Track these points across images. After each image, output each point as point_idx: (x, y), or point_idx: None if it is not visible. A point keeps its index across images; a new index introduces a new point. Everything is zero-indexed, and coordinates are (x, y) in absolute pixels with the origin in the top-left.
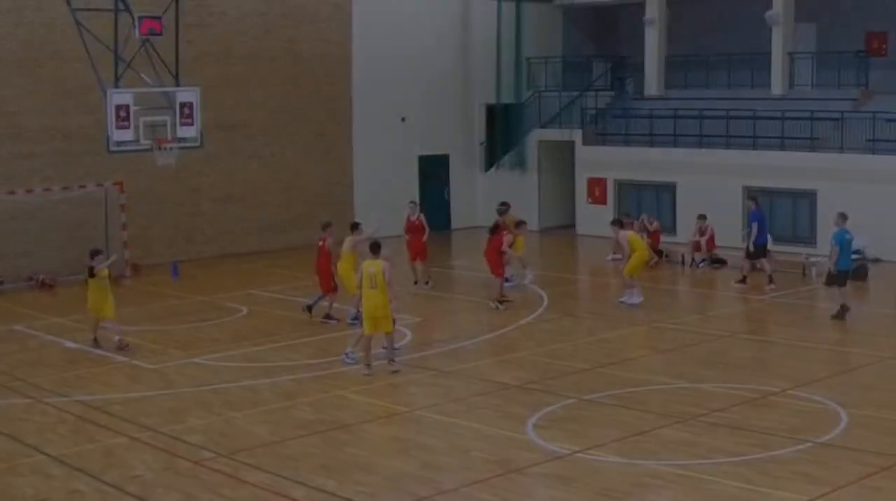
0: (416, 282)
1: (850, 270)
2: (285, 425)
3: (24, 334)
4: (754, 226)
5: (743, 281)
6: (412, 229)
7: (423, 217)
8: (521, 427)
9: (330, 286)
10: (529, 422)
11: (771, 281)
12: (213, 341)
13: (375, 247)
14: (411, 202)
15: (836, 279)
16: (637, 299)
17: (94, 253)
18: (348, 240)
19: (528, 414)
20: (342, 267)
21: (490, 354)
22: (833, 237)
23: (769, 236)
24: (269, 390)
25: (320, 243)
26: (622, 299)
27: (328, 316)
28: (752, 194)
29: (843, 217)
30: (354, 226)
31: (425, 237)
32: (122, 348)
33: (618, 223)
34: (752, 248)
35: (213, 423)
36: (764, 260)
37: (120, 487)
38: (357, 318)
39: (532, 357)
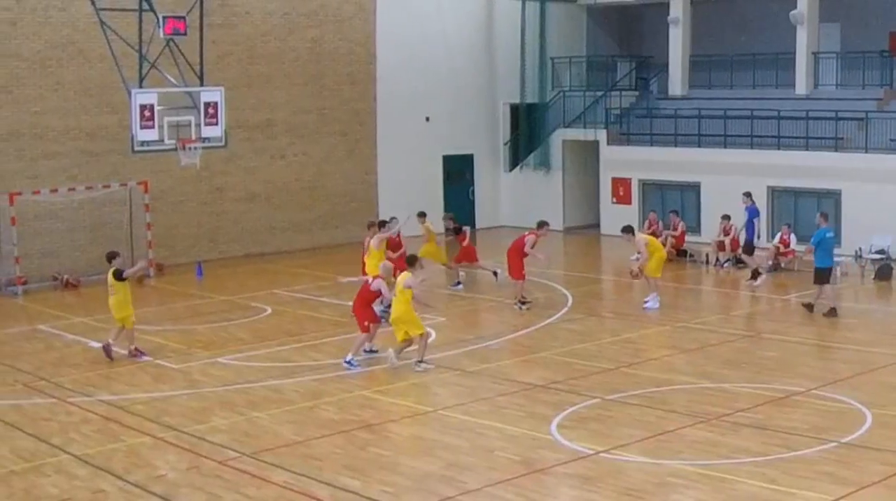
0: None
1: (832, 267)
2: (309, 425)
3: (48, 334)
4: (756, 222)
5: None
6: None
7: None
8: (545, 427)
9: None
10: (553, 422)
11: (754, 276)
12: (237, 341)
13: (412, 260)
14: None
15: (820, 277)
16: (656, 304)
17: (113, 256)
18: (376, 237)
19: (552, 413)
20: (369, 264)
21: (514, 354)
22: (814, 236)
23: (756, 233)
24: (293, 390)
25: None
26: (646, 304)
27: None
28: (746, 191)
29: (824, 217)
30: (381, 224)
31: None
32: (134, 356)
33: (629, 230)
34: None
35: (238, 423)
36: (752, 256)
37: (144, 487)
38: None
39: (556, 357)
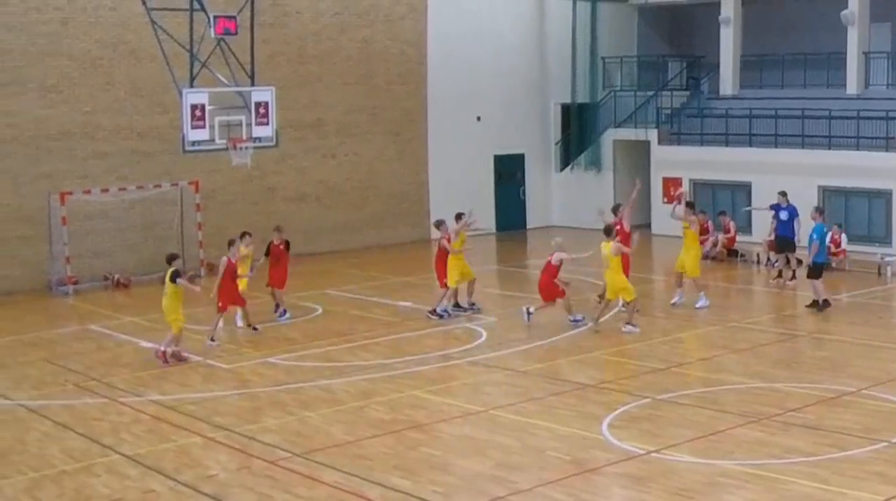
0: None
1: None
2: (360, 424)
3: (99, 334)
4: (796, 222)
5: (779, 275)
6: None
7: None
8: (596, 427)
9: (443, 282)
10: (605, 422)
11: (780, 275)
12: (287, 341)
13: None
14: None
15: (817, 272)
16: (706, 302)
17: (172, 258)
18: (453, 231)
19: (603, 413)
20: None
21: (565, 354)
22: (814, 231)
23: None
24: (344, 390)
25: (444, 240)
26: (697, 305)
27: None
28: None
29: (819, 212)
30: (458, 217)
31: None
32: (180, 360)
33: (691, 205)
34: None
35: (288, 423)
36: (786, 254)
37: (195, 487)
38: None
39: (607, 356)
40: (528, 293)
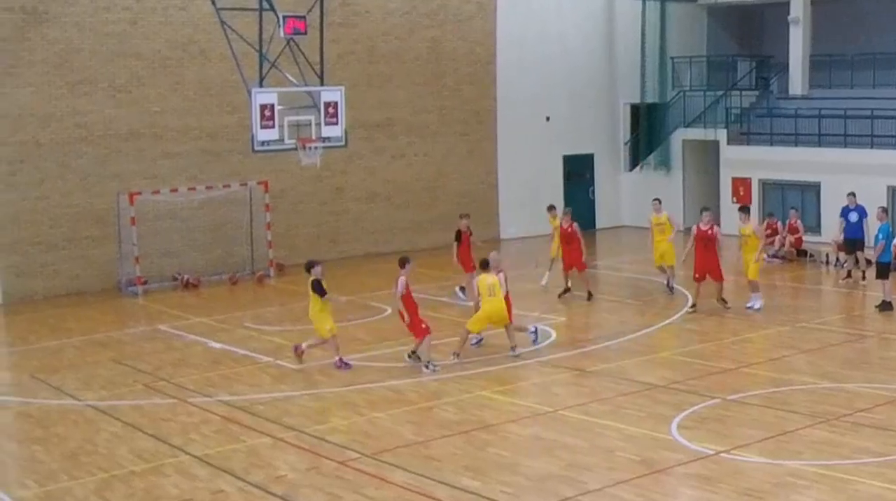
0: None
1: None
2: (429, 425)
3: (168, 334)
4: (864, 223)
5: (848, 275)
6: (566, 238)
7: (576, 225)
8: (665, 427)
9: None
10: (674, 422)
11: (850, 275)
12: (356, 341)
13: (484, 264)
14: (567, 208)
15: (883, 272)
16: (759, 303)
17: (311, 265)
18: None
19: (672, 414)
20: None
21: (634, 354)
22: (879, 231)
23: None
24: (413, 390)
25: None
26: (748, 305)
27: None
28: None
29: (885, 211)
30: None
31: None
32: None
33: (746, 211)
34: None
35: (357, 423)
36: (857, 254)
37: (264, 488)
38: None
39: (676, 357)
40: (597, 293)
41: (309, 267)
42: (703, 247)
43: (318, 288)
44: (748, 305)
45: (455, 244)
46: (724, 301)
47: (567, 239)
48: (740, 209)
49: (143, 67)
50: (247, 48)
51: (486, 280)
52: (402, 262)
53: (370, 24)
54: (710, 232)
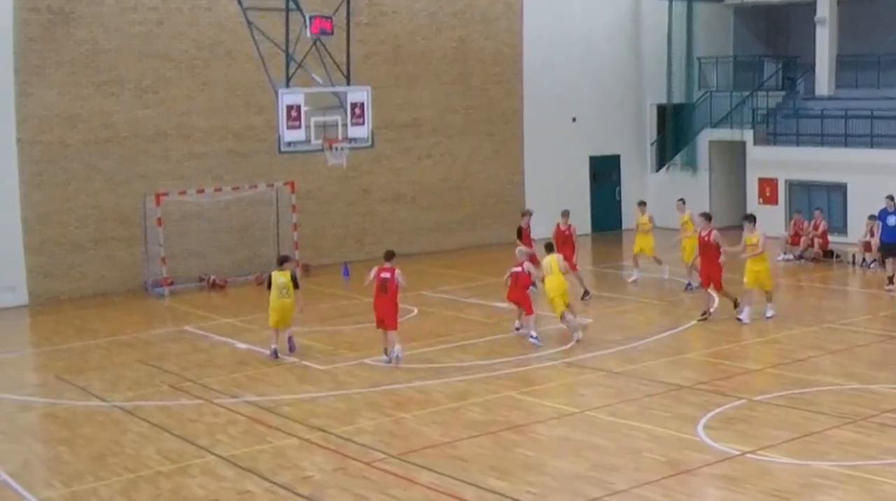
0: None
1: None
2: (455, 426)
3: (194, 335)
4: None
5: (890, 282)
6: (561, 238)
7: (573, 227)
8: (691, 428)
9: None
10: (700, 423)
11: (891, 281)
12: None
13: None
14: (565, 210)
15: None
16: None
17: (283, 260)
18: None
19: (698, 414)
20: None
21: (660, 355)
22: (879, 215)
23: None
24: (440, 391)
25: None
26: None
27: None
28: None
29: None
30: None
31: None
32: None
33: (751, 219)
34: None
35: (384, 424)
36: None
37: (290, 488)
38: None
39: (702, 358)
40: (623, 293)
41: (284, 260)
42: (702, 254)
43: (297, 282)
44: (768, 315)
45: (518, 242)
46: (735, 306)
47: (562, 239)
48: (745, 218)
49: (169, 68)
50: (273, 48)
51: (551, 259)
52: (388, 256)
53: (397, 23)
54: (707, 237)
